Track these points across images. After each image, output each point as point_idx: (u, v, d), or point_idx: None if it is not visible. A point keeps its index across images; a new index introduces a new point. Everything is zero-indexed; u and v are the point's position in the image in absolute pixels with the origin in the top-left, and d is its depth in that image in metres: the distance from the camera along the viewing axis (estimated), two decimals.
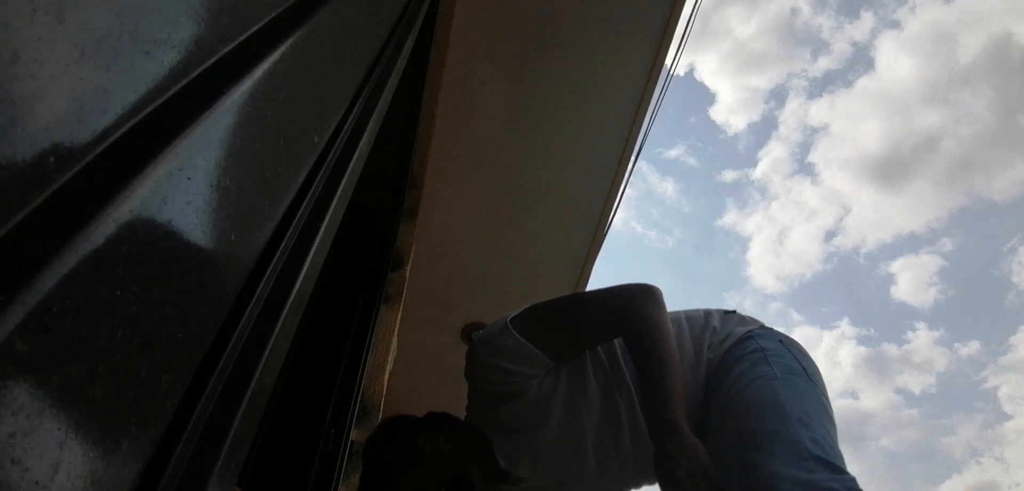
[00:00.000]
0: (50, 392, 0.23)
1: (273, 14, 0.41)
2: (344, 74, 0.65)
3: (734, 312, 1.33)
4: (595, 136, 2.37)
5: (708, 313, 1.33)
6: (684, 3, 2.00)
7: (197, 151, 0.32)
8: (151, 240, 0.29)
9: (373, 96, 0.83)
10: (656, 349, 1.12)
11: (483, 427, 1.22)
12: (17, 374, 0.21)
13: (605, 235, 2.79)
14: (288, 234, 0.51)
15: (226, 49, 0.34)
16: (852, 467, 0.96)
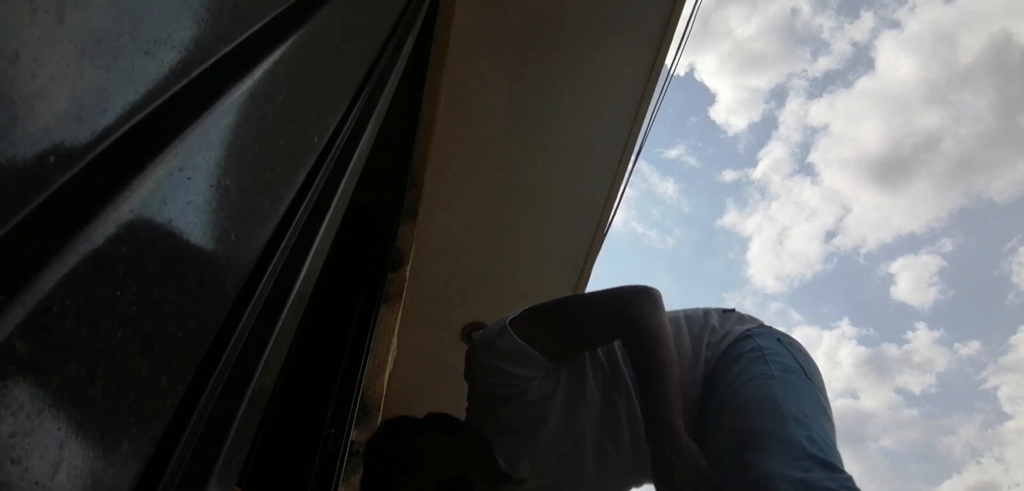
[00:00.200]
0: (50, 392, 0.23)
1: (273, 14, 0.41)
2: (344, 74, 0.65)
3: (733, 311, 1.34)
4: (595, 136, 2.37)
5: (707, 312, 1.33)
6: (684, 3, 2.00)
7: (197, 151, 0.32)
8: (151, 240, 0.29)
9: (373, 96, 0.83)
10: (654, 351, 1.12)
11: (483, 428, 1.22)
12: (17, 374, 0.21)
13: (605, 235, 2.79)
14: (288, 234, 0.51)
15: (226, 49, 0.34)
16: (852, 467, 0.96)
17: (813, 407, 1.07)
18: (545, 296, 1.35)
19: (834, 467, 0.95)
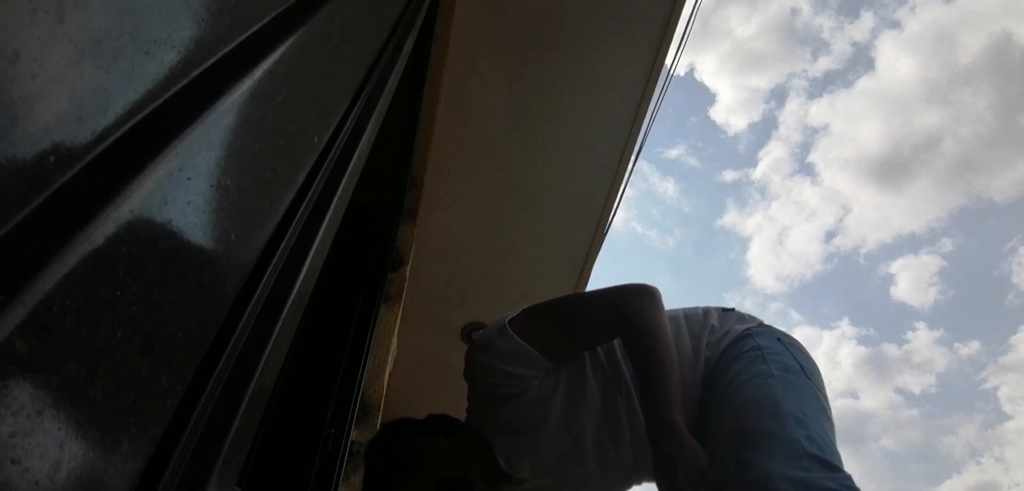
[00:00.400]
0: (50, 392, 0.23)
1: (273, 14, 0.41)
2: (344, 74, 0.65)
3: (733, 310, 1.34)
4: (595, 136, 2.37)
5: (706, 311, 1.33)
6: (684, 3, 2.00)
7: (197, 151, 0.32)
8: (151, 240, 0.29)
9: (373, 96, 0.83)
10: (654, 349, 1.12)
11: (483, 428, 1.22)
12: (17, 374, 0.21)
13: (605, 235, 2.79)
14: (288, 234, 0.51)
15: (226, 49, 0.34)
16: (852, 467, 0.96)
17: (813, 406, 1.07)
18: (545, 296, 1.35)
19: (834, 466, 0.95)
